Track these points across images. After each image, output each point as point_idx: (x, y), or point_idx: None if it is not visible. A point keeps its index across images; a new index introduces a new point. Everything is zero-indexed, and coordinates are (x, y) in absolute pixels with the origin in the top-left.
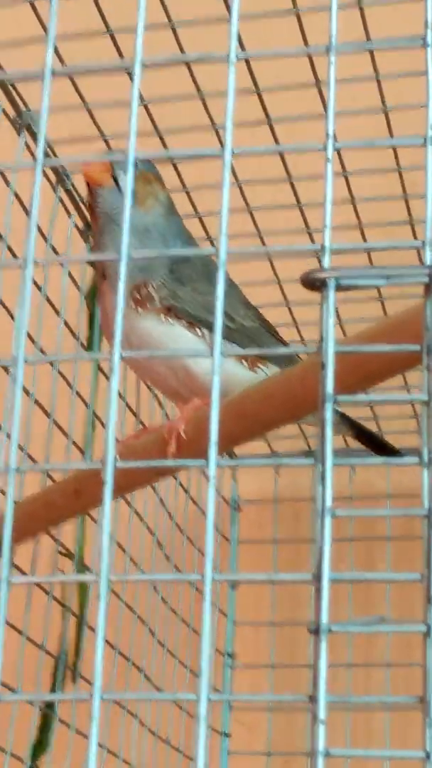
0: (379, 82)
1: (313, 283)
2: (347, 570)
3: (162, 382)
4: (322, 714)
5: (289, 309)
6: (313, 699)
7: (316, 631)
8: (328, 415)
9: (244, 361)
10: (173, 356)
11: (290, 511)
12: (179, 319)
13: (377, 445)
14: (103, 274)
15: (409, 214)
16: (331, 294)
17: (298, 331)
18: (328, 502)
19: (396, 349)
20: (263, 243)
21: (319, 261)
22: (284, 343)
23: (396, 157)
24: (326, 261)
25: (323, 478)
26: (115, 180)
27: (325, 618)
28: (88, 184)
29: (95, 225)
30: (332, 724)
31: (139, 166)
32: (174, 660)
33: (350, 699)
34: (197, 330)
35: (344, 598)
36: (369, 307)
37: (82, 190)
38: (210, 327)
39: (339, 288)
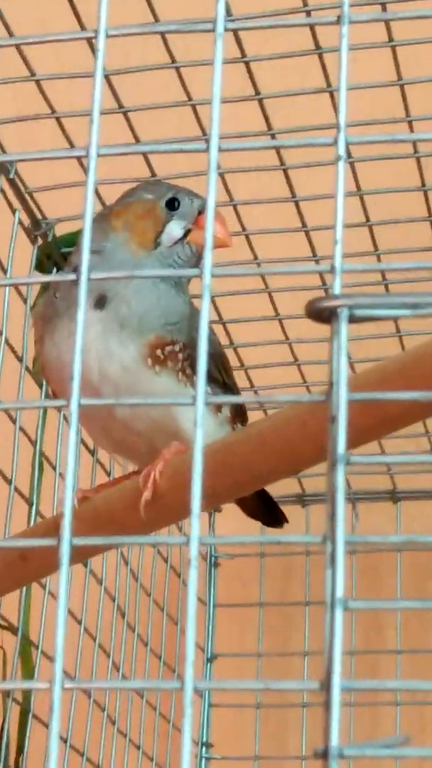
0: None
1: (321, 314)
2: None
3: (134, 440)
4: None
5: (290, 345)
6: None
7: (324, 755)
8: (340, 480)
9: (225, 423)
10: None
11: (280, 567)
12: (192, 376)
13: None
14: (99, 298)
15: None
16: (343, 327)
17: (300, 371)
18: (339, 592)
19: (425, 396)
20: (255, 257)
21: (325, 288)
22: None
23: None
24: (337, 285)
25: (333, 560)
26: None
27: (335, 739)
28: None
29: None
30: None
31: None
32: (150, 763)
33: None
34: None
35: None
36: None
37: (30, 179)
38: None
39: (353, 319)
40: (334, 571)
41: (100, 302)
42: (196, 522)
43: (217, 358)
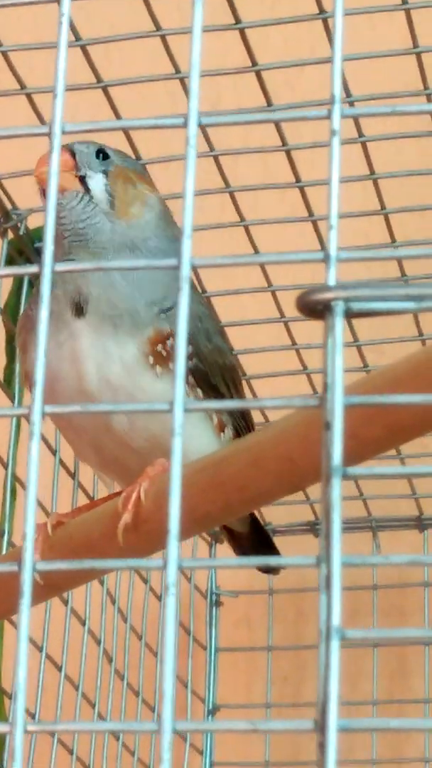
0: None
1: (314, 308)
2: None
3: (128, 458)
4: None
5: (287, 328)
6: None
7: None
8: (336, 495)
9: (213, 421)
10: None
11: (291, 606)
12: (195, 388)
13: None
14: (76, 306)
15: None
16: (338, 323)
17: (301, 361)
18: (336, 620)
19: None
20: (255, 249)
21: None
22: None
23: None
24: (332, 276)
25: (329, 585)
26: (83, 181)
27: None
28: (43, 191)
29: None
30: None
31: (112, 159)
32: None
33: None
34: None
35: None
36: (396, 323)
37: None
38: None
39: (350, 314)
40: (330, 597)
41: (78, 309)
42: (174, 543)
43: (226, 371)
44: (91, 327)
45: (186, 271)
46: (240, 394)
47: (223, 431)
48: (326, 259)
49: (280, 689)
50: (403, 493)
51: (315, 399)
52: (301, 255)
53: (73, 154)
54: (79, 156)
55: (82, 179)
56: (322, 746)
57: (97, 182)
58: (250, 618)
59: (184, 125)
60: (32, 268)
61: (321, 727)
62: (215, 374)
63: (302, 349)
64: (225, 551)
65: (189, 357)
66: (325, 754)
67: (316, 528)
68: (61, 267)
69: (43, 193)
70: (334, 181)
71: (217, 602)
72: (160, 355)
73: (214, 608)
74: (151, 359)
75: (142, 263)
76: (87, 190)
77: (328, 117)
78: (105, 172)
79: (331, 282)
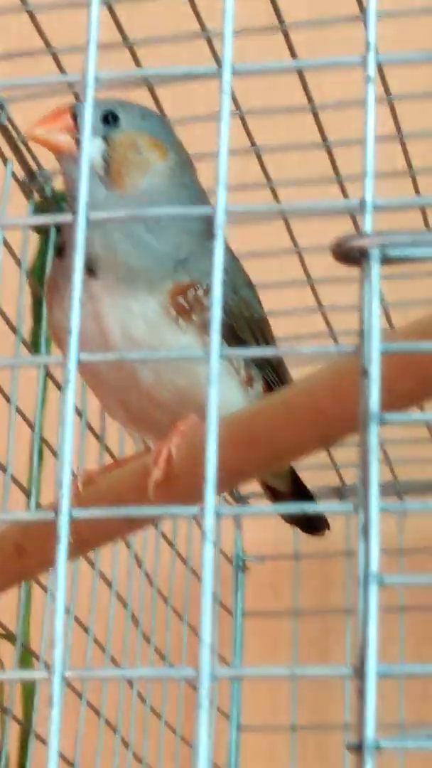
0: None
1: (350, 254)
2: (398, 656)
3: (155, 413)
4: None
5: (312, 287)
6: None
7: (357, 747)
8: (374, 441)
9: (240, 375)
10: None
11: (317, 571)
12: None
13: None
14: (89, 266)
15: None
16: (375, 269)
17: (326, 320)
18: (374, 566)
19: None
20: (276, 198)
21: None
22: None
23: None
24: (367, 223)
25: (366, 531)
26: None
27: (371, 730)
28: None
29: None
30: None
31: (121, 123)
32: None
33: None
34: (233, 363)
35: (393, 693)
36: (425, 284)
37: (24, 125)
38: (256, 363)
39: (386, 260)
40: (368, 543)
41: (89, 270)
42: (211, 490)
43: (254, 324)
44: (108, 286)
45: (221, 219)
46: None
47: (251, 386)
48: (362, 207)
49: (306, 654)
50: (429, 456)
51: (351, 346)
52: (337, 203)
53: (74, 116)
54: (81, 118)
55: (78, 143)
56: (361, 692)
57: (93, 147)
58: (276, 583)
59: (218, 74)
60: (65, 216)
61: (360, 672)
62: (242, 327)
63: (328, 311)
64: (253, 524)
65: (206, 292)
66: (365, 700)
67: (342, 493)
68: (96, 215)
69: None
70: (369, 128)
71: (243, 567)
72: (182, 307)
73: (240, 573)
74: (173, 312)
75: (178, 211)
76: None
77: (363, 64)
78: (105, 138)
79: (367, 229)
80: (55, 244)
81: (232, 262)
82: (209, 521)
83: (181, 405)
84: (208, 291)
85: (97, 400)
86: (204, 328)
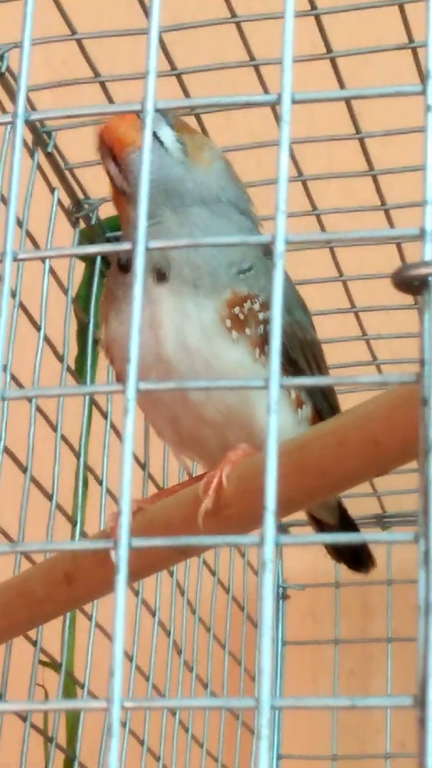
0: None
1: (410, 283)
2: None
3: (204, 433)
4: None
5: (357, 316)
6: None
7: None
8: None
9: (291, 397)
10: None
11: (358, 599)
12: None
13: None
14: (158, 272)
15: None
16: None
17: (371, 350)
18: None
19: None
20: (322, 226)
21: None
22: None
23: None
24: (429, 251)
25: (427, 560)
26: (153, 135)
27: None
28: (111, 150)
29: (123, 205)
30: None
31: (169, 114)
32: None
33: None
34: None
35: None
36: None
37: (70, 154)
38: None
39: None
40: (428, 572)
41: (160, 275)
42: (271, 519)
43: (307, 346)
44: (173, 291)
45: (281, 247)
46: (322, 372)
47: (301, 408)
48: (422, 235)
49: (347, 683)
50: None
51: (411, 375)
52: (396, 231)
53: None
54: (143, 113)
55: (153, 134)
56: (422, 722)
57: (166, 133)
58: (317, 611)
59: (277, 102)
60: (125, 245)
61: (421, 701)
62: (294, 348)
63: (372, 339)
64: (295, 552)
65: (262, 308)
66: (426, 729)
67: (383, 521)
68: (154, 244)
69: (108, 155)
70: (429, 156)
71: (284, 595)
72: (237, 318)
73: (281, 602)
74: (228, 323)
75: (237, 239)
76: (160, 143)
77: (423, 93)
78: (170, 125)
79: (428, 257)
80: (102, 271)
81: (287, 284)
82: (269, 551)
83: (229, 423)
84: (263, 306)
85: (141, 428)
86: (255, 342)
